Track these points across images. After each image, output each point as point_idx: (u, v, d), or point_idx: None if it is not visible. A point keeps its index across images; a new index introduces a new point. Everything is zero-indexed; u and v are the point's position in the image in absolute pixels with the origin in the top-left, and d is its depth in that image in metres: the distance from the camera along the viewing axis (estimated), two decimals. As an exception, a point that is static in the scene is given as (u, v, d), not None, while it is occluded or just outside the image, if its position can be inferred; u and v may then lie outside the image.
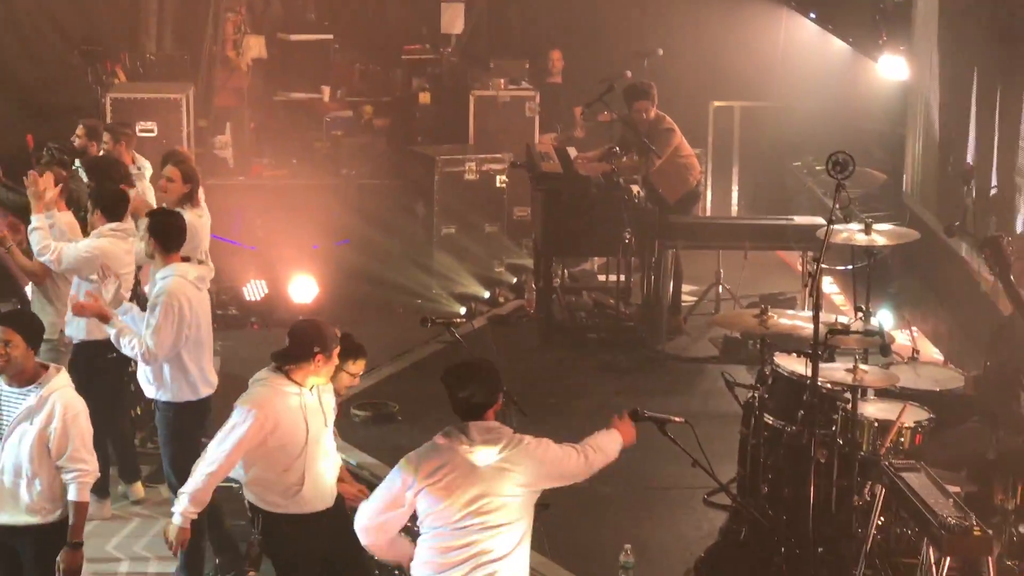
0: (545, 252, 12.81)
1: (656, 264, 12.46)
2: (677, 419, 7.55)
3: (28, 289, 10.49)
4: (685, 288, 13.21)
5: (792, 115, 15.88)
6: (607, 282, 13.33)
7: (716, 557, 7.93)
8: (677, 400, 10.37)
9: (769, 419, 8.21)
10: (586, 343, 12.38)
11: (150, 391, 8.53)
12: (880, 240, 9.25)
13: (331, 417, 7.35)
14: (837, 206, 8.25)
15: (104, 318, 8.27)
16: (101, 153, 11.74)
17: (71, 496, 7.15)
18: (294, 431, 7.08)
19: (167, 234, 8.37)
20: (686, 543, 8.52)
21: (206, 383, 8.57)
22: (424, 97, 16.56)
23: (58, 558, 7.17)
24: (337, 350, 7.19)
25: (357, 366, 7.59)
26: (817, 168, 14.72)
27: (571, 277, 14.09)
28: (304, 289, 13.19)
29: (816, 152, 14.88)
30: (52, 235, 9.77)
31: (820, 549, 7.93)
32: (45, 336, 10.16)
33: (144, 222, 8.57)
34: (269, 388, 7.09)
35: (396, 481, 6.18)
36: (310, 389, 7.17)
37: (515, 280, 14.43)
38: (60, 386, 7.18)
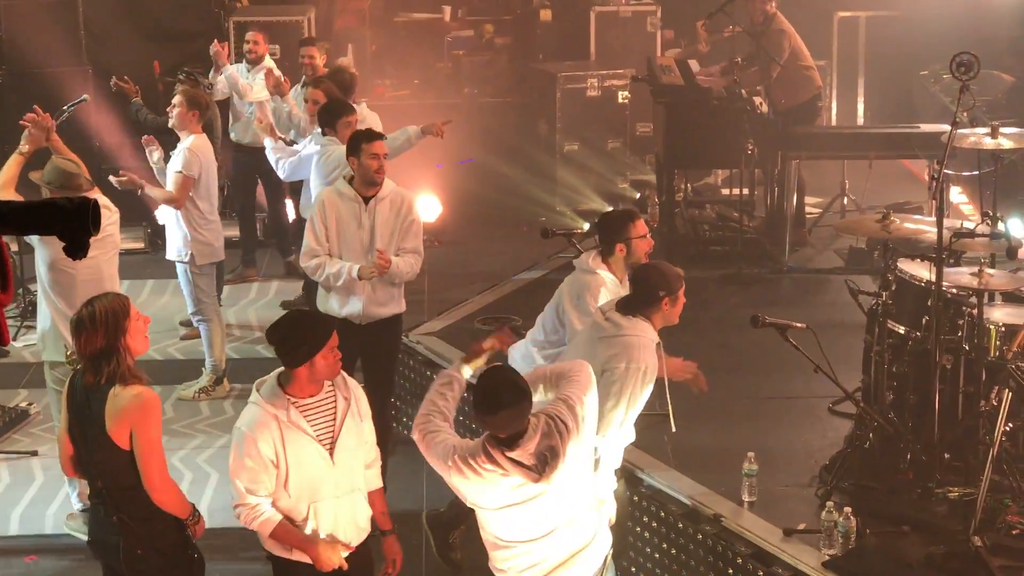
0: (667, 165, 12.75)
1: (779, 176, 12.36)
2: (799, 325, 7.55)
3: (158, 213, 10.70)
4: (810, 200, 13.09)
5: (919, 24, 15.55)
6: (730, 195, 13.27)
7: (841, 464, 7.90)
8: (801, 310, 10.30)
9: (893, 326, 8.14)
10: (709, 256, 12.32)
11: (387, 311, 8.77)
12: (1007, 144, 9.01)
13: None
14: (962, 109, 8.14)
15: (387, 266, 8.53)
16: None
17: (378, 484, 6.61)
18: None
19: None
20: (810, 451, 8.49)
21: None
22: (545, 14, 16.49)
23: (391, 554, 6.58)
24: (682, 289, 6.86)
25: (637, 227, 7.58)
26: (944, 76, 14.44)
27: (694, 191, 14.03)
28: (428, 208, 13.29)
29: (943, 61, 14.49)
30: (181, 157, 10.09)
31: (946, 455, 7.90)
32: (176, 258, 10.45)
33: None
34: (639, 339, 6.74)
35: None
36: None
37: (638, 195, 14.41)
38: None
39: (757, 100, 12.42)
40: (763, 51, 12.28)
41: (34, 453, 9.75)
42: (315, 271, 8.55)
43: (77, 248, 2.72)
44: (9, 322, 11.93)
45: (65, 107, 11.32)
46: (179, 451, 9.70)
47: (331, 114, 9.80)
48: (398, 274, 8.58)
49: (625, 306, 6.86)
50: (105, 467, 6.22)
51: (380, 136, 8.73)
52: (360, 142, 8.58)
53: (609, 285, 7.55)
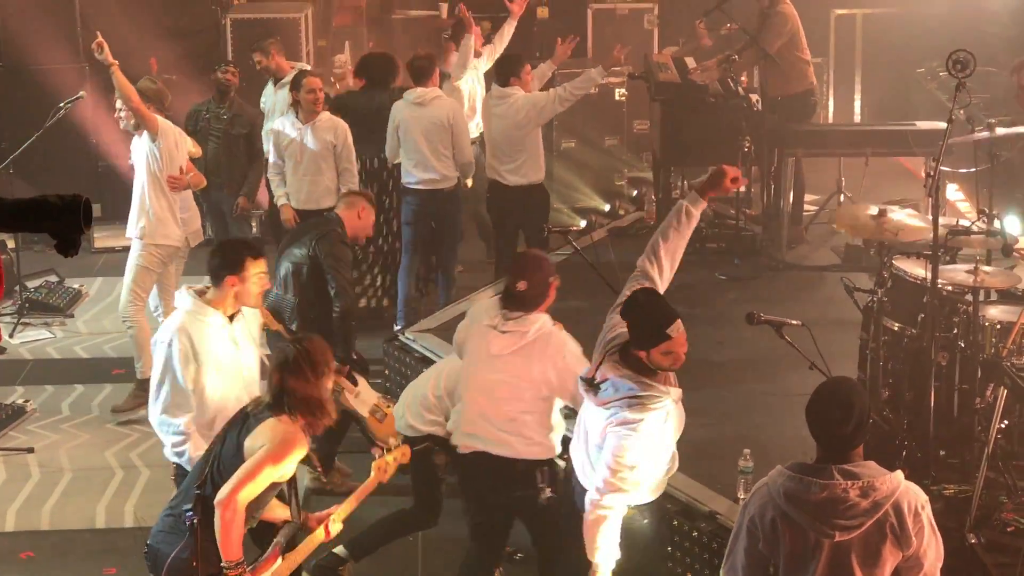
0: (664, 162, 12.74)
1: (776, 173, 12.35)
2: (794, 322, 7.52)
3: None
4: (806, 198, 13.07)
5: (915, 21, 15.57)
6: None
7: (836, 461, 7.90)
8: (796, 307, 10.31)
9: (889, 323, 8.14)
10: (706, 253, 12.30)
11: None
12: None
13: None
14: (958, 107, 8.13)
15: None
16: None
17: None
18: None
19: None
20: (806, 448, 8.35)
21: None
22: (542, 11, 16.45)
23: None
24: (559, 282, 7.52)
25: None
26: (941, 74, 14.43)
27: (691, 188, 14.00)
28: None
29: (940, 58, 14.51)
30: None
31: (942, 452, 7.91)
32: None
33: None
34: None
35: None
36: None
37: (635, 192, 14.39)
38: None
39: (753, 97, 12.41)
40: (757, 46, 12.27)
41: (30, 450, 9.75)
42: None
43: (68, 246, 2.69)
44: (5, 319, 11.93)
45: (61, 104, 11.33)
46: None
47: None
48: None
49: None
50: (223, 468, 6.18)
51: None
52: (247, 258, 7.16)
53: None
